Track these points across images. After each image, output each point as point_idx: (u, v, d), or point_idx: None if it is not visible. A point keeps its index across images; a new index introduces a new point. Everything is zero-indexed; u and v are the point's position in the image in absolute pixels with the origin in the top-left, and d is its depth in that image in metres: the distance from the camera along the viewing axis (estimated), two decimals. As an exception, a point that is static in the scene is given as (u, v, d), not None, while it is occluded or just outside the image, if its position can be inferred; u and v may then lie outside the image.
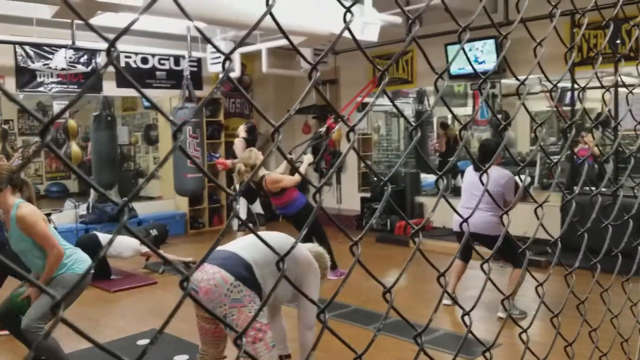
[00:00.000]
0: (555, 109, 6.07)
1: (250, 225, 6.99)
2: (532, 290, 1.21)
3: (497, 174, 4.33)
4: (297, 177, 5.43)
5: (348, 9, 0.71)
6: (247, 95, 0.73)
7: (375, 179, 8.80)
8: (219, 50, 0.65)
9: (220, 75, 0.64)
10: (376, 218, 8.11)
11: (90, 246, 5.08)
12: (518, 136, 9.50)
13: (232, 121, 9.17)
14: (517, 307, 4.48)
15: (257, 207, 7.19)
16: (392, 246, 7.29)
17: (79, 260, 3.37)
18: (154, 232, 6.96)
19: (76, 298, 3.18)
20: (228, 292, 2.54)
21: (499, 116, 6.57)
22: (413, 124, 0.87)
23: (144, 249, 6.00)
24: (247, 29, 6.10)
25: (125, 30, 0.55)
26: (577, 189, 1.35)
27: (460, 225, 1.09)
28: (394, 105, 1.05)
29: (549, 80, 1.31)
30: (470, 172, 4.75)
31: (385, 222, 7.96)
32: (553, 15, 1.07)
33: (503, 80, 7.66)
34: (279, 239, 2.79)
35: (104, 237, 5.79)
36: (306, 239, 5.65)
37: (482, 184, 1.09)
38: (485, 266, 1.00)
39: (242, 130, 7.27)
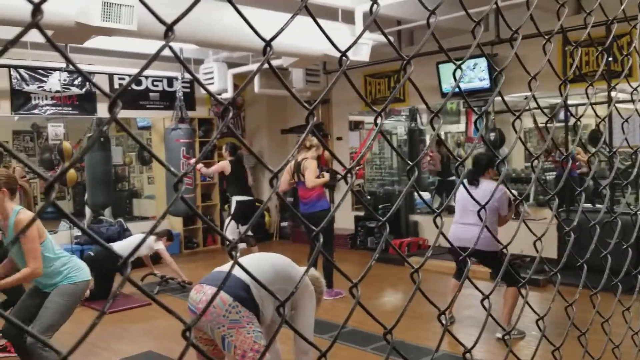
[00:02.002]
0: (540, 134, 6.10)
1: (240, 245, 6.97)
2: (529, 308, 1.19)
3: (491, 188, 4.33)
4: (317, 180, 5.59)
5: (343, 53, 0.70)
6: (247, 145, 0.73)
7: (368, 197, 8.81)
8: (218, 100, 0.64)
9: (220, 125, 0.64)
10: (374, 243, 8.12)
11: (107, 257, 5.46)
12: (512, 153, 9.54)
13: (225, 141, 9.18)
14: (515, 328, 4.46)
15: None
16: (387, 265, 7.25)
17: (75, 268, 3.36)
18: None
19: (75, 306, 3.32)
20: (227, 313, 2.53)
21: (492, 134, 6.61)
22: (410, 162, 0.85)
23: (157, 245, 6.07)
24: (238, 50, 6.14)
25: (125, 88, 0.55)
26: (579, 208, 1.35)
27: (452, 242, 1.08)
28: (392, 146, 1.05)
29: (542, 112, 1.32)
30: (462, 186, 4.74)
31: (380, 233, 7.94)
32: (546, 49, 1.08)
33: (496, 98, 7.71)
34: (277, 261, 2.77)
35: (118, 247, 5.80)
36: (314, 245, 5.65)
37: (474, 199, 1.08)
38: (486, 302, 0.99)
39: (226, 154, 7.35)
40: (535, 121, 7.79)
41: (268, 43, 0.62)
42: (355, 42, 0.71)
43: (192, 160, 7.29)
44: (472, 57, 6.93)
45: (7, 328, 3.45)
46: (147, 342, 4.55)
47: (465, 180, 4.67)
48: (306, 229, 5.54)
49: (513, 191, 4.97)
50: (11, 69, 7.12)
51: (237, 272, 2.67)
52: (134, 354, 4.29)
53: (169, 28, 0.55)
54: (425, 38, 0.78)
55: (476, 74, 6.94)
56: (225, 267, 2.78)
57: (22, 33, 0.48)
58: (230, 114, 0.62)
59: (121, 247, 5.81)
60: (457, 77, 0.84)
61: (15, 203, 3.25)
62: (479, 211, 1.03)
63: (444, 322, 0.85)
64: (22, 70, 7.21)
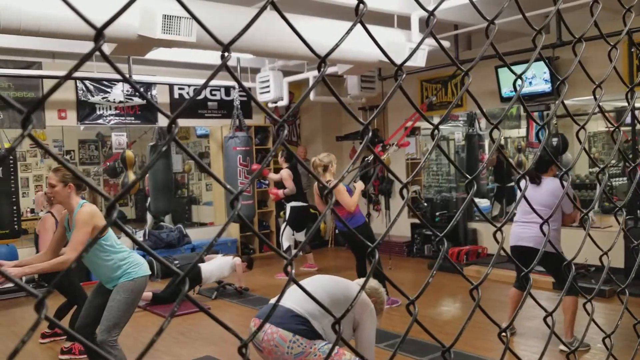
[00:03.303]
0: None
1: (294, 252, 7.00)
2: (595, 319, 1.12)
3: (554, 185, 4.16)
4: (355, 198, 5.40)
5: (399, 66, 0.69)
6: (302, 162, 0.72)
7: (425, 203, 8.67)
8: (273, 118, 0.65)
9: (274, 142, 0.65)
10: (431, 251, 7.98)
11: (193, 274, 5.64)
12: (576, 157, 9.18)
13: (281, 148, 9.29)
14: (578, 339, 4.27)
15: (300, 236, 7.19)
16: (444, 274, 7.10)
17: (134, 264, 3.42)
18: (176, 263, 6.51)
19: (137, 301, 3.42)
20: (289, 350, 2.60)
21: (555, 140, 6.37)
22: (469, 176, 0.82)
23: (237, 261, 6.26)
24: (294, 59, 6.21)
25: (183, 108, 0.57)
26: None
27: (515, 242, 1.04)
28: (448, 158, 1.02)
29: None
30: (524, 184, 4.55)
31: (437, 249, 7.79)
32: (612, 56, 1.03)
33: (557, 101, 7.45)
34: (332, 289, 2.78)
35: (204, 268, 6.04)
36: (359, 261, 5.59)
37: (524, 197, 1.04)
38: (549, 320, 0.95)
39: (282, 160, 7.42)
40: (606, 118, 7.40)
41: (323, 60, 0.62)
42: (410, 56, 0.70)
43: (252, 167, 7.40)
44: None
45: (79, 327, 3.57)
46: (206, 347, 4.64)
47: (527, 178, 4.48)
48: (351, 244, 5.45)
49: (574, 197, 4.77)
50: (77, 80, 7.48)
51: (294, 306, 2.68)
52: (193, 358, 4.38)
53: (226, 48, 0.56)
54: (484, 49, 0.76)
55: (536, 78, 6.73)
56: (283, 300, 2.82)
57: (86, 58, 0.49)
58: (286, 131, 0.62)
59: (209, 269, 6.03)
60: (518, 88, 0.81)
61: (80, 198, 3.38)
62: (547, 219, 0.99)
63: (504, 340, 0.82)
64: (87, 82, 7.56)
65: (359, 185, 5.55)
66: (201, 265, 6.16)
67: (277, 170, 7.73)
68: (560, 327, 4.23)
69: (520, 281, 4.58)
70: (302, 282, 2.94)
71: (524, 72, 0.84)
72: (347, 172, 0.83)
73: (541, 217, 1.01)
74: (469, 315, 0.78)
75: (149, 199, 8.55)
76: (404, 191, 0.72)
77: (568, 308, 4.18)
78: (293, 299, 2.72)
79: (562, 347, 4.07)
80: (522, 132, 9.18)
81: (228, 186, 0.61)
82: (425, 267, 7.44)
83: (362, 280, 3.26)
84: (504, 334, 0.84)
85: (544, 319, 0.98)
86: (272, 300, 2.96)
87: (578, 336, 4.27)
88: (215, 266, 6.14)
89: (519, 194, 4.58)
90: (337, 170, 9.02)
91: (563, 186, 0.93)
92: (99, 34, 0.49)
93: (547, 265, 4.38)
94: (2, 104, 6.29)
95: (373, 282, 3.23)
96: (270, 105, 7.94)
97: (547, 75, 6.61)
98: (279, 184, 7.51)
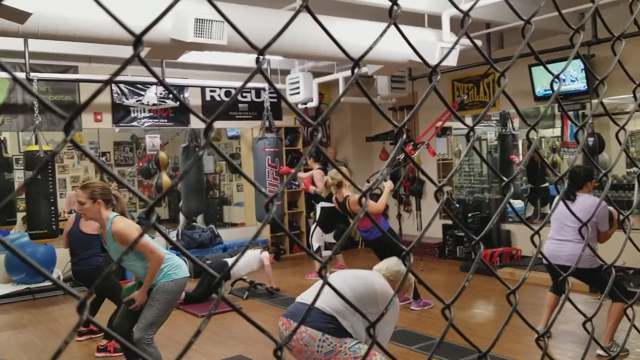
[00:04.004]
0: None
1: (325, 253, 7.01)
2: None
3: (589, 202, 4.07)
4: (380, 203, 5.31)
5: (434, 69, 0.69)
6: (336, 165, 0.72)
7: (457, 204, 8.56)
8: (307, 122, 0.65)
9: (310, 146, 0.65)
10: (463, 253, 7.89)
11: (222, 270, 5.51)
12: (612, 159, 8.96)
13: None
14: (617, 344, 4.17)
15: (330, 237, 7.20)
16: (478, 275, 7.02)
17: (173, 266, 3.49)
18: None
19: (175, 303, 3.49)
20: (319, 348, 2.61)
21: (591, 139, 6.22)
22: (505, 178, 0.80)
23: (265, 255, 6.31)
24: (324, 60, 6.21)
25: (219, 114, 0.57)
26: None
27: (548, 259, 1.02)
28: (484, 160, 1.01)
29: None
30: (558, 199, 4.47)
31: (469, 251, 7.70)
32: None
33: (594, 101, 7.29)
34: (355, 282, 2.76)
35: (231, 261, 6.07)
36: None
37: (572, 212, 1.02)
38: (588, 325, 0.92)
39: (311, 161, 7.43)
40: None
41: (357, 62, 0.62)
42: (444, 58, 0.69)
43: (279, 169, 7.44)
44: (566, 58, 6.59)
45: (116, 326, 3.65)
46: (238, 346, 4.68)
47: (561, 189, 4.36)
48: (378, 253, 5.34)
49: (613, 206, 4.63)
50: (113, 84, 7.64)
51: (321, 304, 2.69)
52: (225, 357, 4.42)
53: (261, 53, 0.56)
54: (520, 49, 0.74)
55: (571, 75, 6.58)
56: (309, 295, 2.84)
57: (126, 63, 0.50)
58: (319, 135, 0.62)
59: (237, 265, 6.04)
60: (556, 89, 0.80)
61: (110, 212, 3.46)
62: (580, 228, 0.97)
63: (542, 345, 0.80)
64: (122, 85, 7.72)
65: (388, 185, 5.45)
66: (229, 260, 6.24)
67: (306, 171, 7.76)
68: (598, 331, 4.13)
69: (556, 285, 4.50)
70: (332, 278, 2.94)
71: (561, 73, 0.82)
72: (378, 175, 0.82)
73: (580, 234, 0.99)
74: (506, 321, 0.77)
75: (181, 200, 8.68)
76: (439, 194, 0.71)
77: (613, 315, 4.08)
78: (320, 298, 2.71)
79: (600, 351, 3.97)
80: (557, 131, 8.98)
81: (263, 189, 0.61)
82: (457, 268, 7.36)
83: (383, 266, 3.13)
84: (541, 339, 0.82)
85: (583, 325, 0.96)
86: (299, 299, 2.96)
87: (617, 341, 4.17)
88: (243, 260, 6.21)
89: (556, 201, 4.47)
90: (366, 170, 9.01)
91: (602, 192, 0.91)
92: (137, 41, 0.50)
93: (584, 279, 4.31)
94: (40, 107, 6.47)
95: (392, 264, 3.11)
96: (300, 106, 7.96)
97: (582, 73, 6.46)
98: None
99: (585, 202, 4.09)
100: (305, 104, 7.78)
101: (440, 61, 0.67)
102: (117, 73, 0.49)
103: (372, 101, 0.67)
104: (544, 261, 4.34)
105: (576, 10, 5.25)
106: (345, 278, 2.89)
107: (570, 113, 6.86)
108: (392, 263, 3.12)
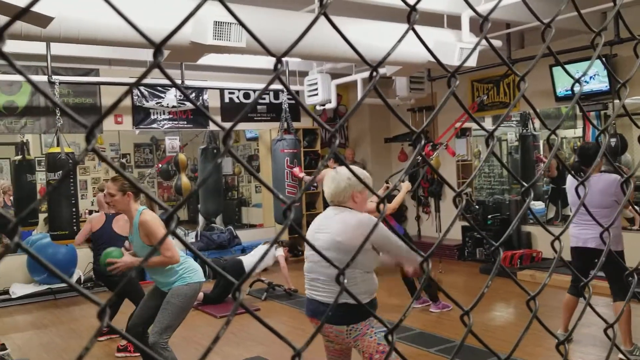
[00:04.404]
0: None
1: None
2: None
3: (604, 183, 3.90)
4: (393, 205, 5.26)
5: (453, 74, 0.68)
6: (353, 171, 0.72)
7: (477, 206, 8.50)
8: (325, 128, 0.65)
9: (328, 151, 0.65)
10: (483, 254, 7.81)
11: (237, 270, 5.87)
12: (635, 159, 8.81)
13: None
14: (638, 347, 4.10)
15: None
16: (496, 277, 6.93)
17: (189, 270, 3.52)
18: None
19: (190, 307, 3.51)
20: (347, 336, 2.68)
21: (613, 140, 6.13)
22: (525, 184, 0.79)
23: (278, 252, 6.30)
24: (342, 61, 6.19)
25: (237, 122, 0.58)
26: None
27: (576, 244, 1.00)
28: (504, 165, 1.00)
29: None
30: (571, 184, 4.26)
31: (489, 253, 7.63)
32: None
33: (616, 101, 7.17)
34: (331, 242, 2.66)
35: (247, 261, 6.15)
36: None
37: (579, 195, 0.99)
38: (610, 331, 0.91)
39: (331, 163, 7.40)
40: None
41: (374, 69, 0.62)
42: (463, 63, 0.69)
43: (295, 169, 7.44)
44: (587, 58, 6.49)
45: (131, 327, 3.69)
46: (256, 347, 4.70)
47: (571, 180, 4.18)
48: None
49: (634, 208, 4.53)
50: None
51: (326, 298, 2.69)
52: (244, 358, 4.44)
53: (279, 60, 0.57)
54: (540, 53, 0.73)
55: (595, 73, 6.49)
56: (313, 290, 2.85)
57: (147, 72, 0.51)
58: (337, 142, 0.62)
59: (250, 261, 6.12)
60: (577, 92, 0.79)
61: (139, 205, 3.51)
62: (607, 227, 0.95)
63: (563, 352, 0.79)
64: (142, 88, 7.80)
65: (406, 186, 5.37)
66: (242, 258, 6.26)
67: (325, 173, 7.75)
68: (620, 335, 4.07)
69: (575, 287, 4.42)
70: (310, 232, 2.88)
71: (582, 76, 0.81)
72: (397, 179, 0.82)
73: (600, 224, 0.97)
74: (526, 327, 0.76)
75: (200, 202, 8.74)
76: (457, 200, 0.70)
77: (621, 317, 3.99)
78: (330, 291, 2.70)
79: (622, 355, 3.90)
80: (578, 132, 8.86)
81: (281, 196, 0.61)
82: (476, 270, 7.29)
83: (344, 175, 2.88)
84: (562, 345, 0.81)
85: (605, 331, 0.95)
86: (308, 295, 2.90)
87: (638, 343, 4.10)
88: (257, 257, 6.23)
89: (572, 185, 4.32)
90: (385, 172, 8.97)
91: (621, 178, 0.89)
92: (157, 50, 0.51)
93: (607, 266, 4.20)
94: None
95: (358, 169, 2.93)
96: (318, 107, 7.97)
97: (604, 71, 6.37)
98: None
99: (599, 184, 3.92)
100: (324, 105, 7.79)
101: (459, 66, 0.67)
102: (137, 83, 0.49)
103: (389, 106, 0.66)
104: (571, 244, 4.18)
105: (597, 10, 5.17)
106: (325, 246, 2.68)
107: (592, 114, 6.76)
108: (356, 171, 2.97)
